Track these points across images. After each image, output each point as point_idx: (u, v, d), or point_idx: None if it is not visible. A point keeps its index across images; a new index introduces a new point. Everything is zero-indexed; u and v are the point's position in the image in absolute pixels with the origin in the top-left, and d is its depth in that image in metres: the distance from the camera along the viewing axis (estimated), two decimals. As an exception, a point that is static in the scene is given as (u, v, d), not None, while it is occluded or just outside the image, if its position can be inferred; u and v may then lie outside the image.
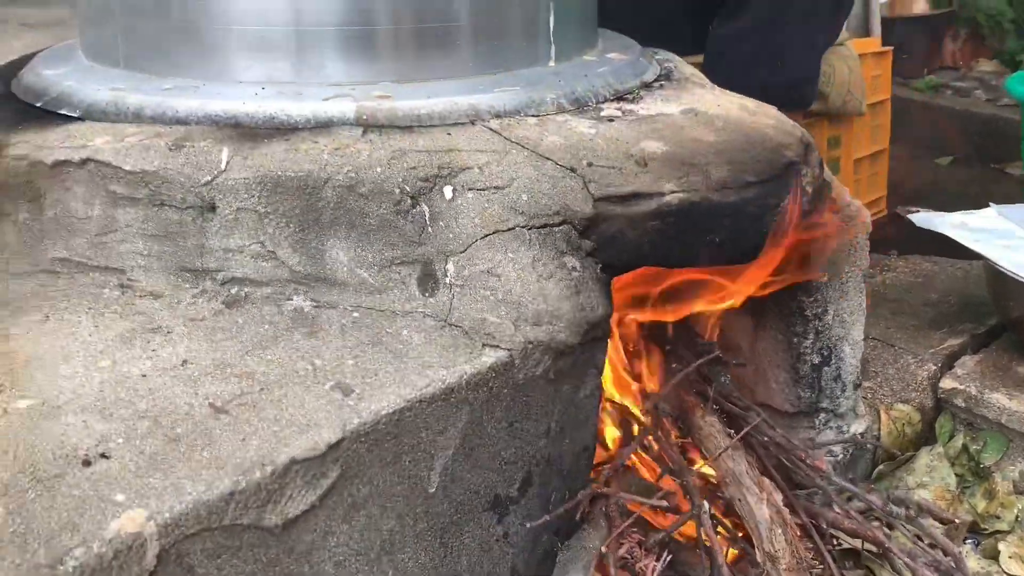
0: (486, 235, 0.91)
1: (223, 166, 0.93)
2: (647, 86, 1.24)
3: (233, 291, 0.93)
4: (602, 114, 1.09)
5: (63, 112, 1.08)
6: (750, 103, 1.19)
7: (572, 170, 0.96)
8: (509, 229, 0.91)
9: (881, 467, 1.41)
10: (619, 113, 1.10)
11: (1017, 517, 1.34)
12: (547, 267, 0.90)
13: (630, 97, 1.18)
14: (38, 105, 1.12)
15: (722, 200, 0.98)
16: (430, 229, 0.91)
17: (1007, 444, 1.41)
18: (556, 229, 0.93)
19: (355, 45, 1.07)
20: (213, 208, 0.93)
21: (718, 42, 1.78)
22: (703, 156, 1.01)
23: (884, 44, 2.55)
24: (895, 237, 2.45)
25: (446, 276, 0.90)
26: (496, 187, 0.93)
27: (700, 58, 1.89)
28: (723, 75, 1.79)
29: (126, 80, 1.11)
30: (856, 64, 2.21)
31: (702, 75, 1.38)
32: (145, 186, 0.94)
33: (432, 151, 0.95)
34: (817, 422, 1.32)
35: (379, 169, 0.92)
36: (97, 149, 0.96)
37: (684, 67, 1.39)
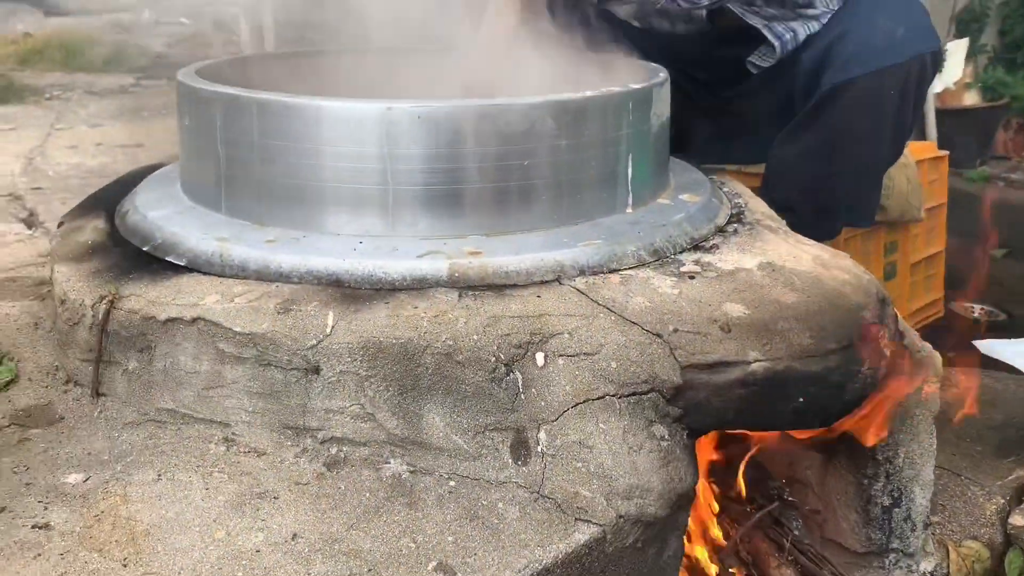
0: (577, 404, 0.94)
1: (328, 330, 0.97)
2: (721, 230, 1.28)
3: (332, 451, 0.97)
4: (682, 269, 1.13)
5: (170, 259, 1.14)
6: (824, 253, 1.22)
7: (658, 335, 1.00)
8: (599, 398, 0.95)
9: (951, 605, 1.40)
10: (698, 268, 1.13)
11: (1090, 663, 1.33)
12: (637, 438, 0.94)
13: (707, 245, 1.22)
14: (145, 250, 1.18)
15: (805, 369, 1.00)
16: (523, 396, 0.95)
17: (1079, 584, 1.40)
18: (645, 397, 0.96)
19: (444, 202, 1.12)
20: (317, 370, 0.97)
21: (779, 164, 1.81)
22: (785, 321, 1.04)
23: (936, 135, 2.58)
24: (951, 330, 2.45)
25: (538, 444, 0.93)
26: (586, 353, 0.97)
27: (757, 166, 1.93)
28: (784, 196, 1.83)
29: (228, 227, 1.17)
30: (914, 173, 2.24)
31: (772, 213, 1.42)
32: (253, 347, 0.99)
33: (524, 316, 0.99)
34: (887, 562, 1.32)
35: (475, 337, 0.96)
36: (208, 308, 1.01)
37: (753, 203, 1.43)
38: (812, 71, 1.73)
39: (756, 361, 0.99)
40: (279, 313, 0.99)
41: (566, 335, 0.98)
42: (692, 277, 1.11)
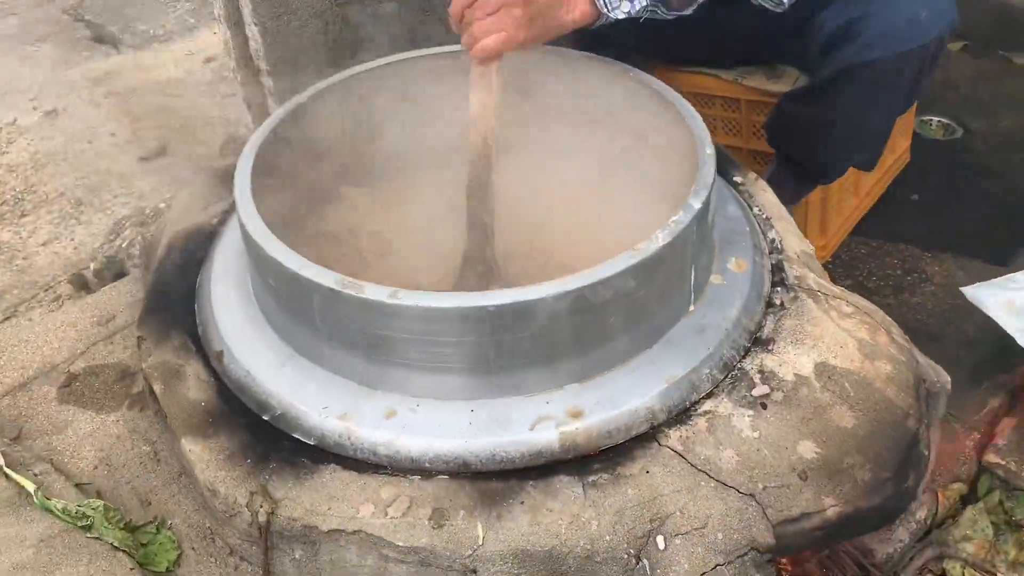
0: (695, 577, 1.16)
1: (480, 541, 1.14)
2: (770, 305, 1.42)
3: (500, 628, 1.18)
4: (753, 392, 1.29)
5: (296, 436, 1.26)
6: (864, 334, 1.38)
7: (751, 495, 1.19)
8: (712, 569, 1.16)
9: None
10: (767, 389, 1.29)
11: (1040, 567, 1.72)
12: (743, 596, 1.17)
13: (763, 337, 1.37)
14: (265, 418, 1.29)
15: (868, 505, 1.22)
16: (650, 576, 1.16)
17: (1035, 504, 1.75)
18: (746, 557, 1.18)
19: (539, 364, 1.24)
20: (475, 572, 1.16)
21: (790, 121, 1.87)
22: (849, 456, 1.23)
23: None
24: (916, 166, 2.61)
25: (668, 614, 1.16)
26: (696, 528, 1.17)
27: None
28: (794, 150, 1.92)
29: (339, 392, 1.27)
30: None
31: (808, 250, 1.54)
32: (415, 555, 1.16)
33: (641, 503, 1.17)
34: (894, 525, 1.65)
35: (608, 538, 1.14)
36: (366, 522, 1.16)
37: (787, 237, 1.54)
38: (831, 38, 1.73)
39: (831, 507, 1.20)
40: (434, 528, 1.15)
41: (678, 514, 1.17)
42: (764, 406, 1.27)
